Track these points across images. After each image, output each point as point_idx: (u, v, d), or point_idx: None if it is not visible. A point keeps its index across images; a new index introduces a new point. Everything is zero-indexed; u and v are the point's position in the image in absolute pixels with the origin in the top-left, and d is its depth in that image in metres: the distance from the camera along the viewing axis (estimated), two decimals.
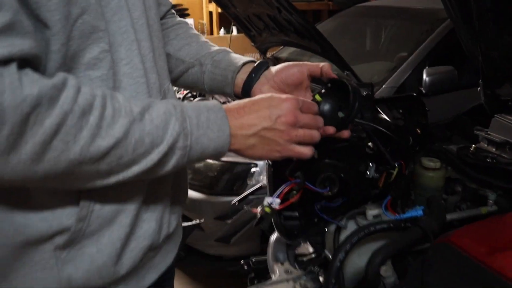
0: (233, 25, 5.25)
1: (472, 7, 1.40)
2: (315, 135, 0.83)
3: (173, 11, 1.12)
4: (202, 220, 2.39)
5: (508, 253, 0.93)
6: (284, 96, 0.80)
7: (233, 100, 0.92)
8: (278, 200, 0.93)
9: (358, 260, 1.18)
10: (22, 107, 0.51)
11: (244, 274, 1.61)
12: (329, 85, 0.91)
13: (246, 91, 1.00)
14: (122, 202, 0.76)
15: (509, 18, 1.44)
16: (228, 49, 1.09)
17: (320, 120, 0.85)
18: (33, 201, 0.68)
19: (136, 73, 0.75)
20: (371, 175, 1.24)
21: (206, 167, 2.73)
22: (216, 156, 0.77)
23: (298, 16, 2.06)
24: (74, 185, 0.65)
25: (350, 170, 1.16)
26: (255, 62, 1.03)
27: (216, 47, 1.08)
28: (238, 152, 0.80)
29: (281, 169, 1.14)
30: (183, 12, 5.49)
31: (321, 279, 1.27)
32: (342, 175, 1.15)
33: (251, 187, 2.35)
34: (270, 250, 1.37)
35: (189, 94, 3.34)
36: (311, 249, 1.34)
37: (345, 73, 2.76)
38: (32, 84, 0.52)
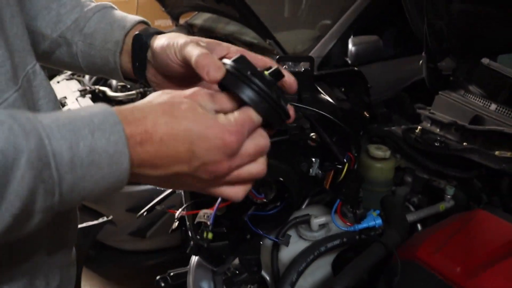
0: None
1: None
2: (258, 171, 0.53)
3: None
4: (110, 217, 2.06)
5: (485, 276, 0.79)
6: (216, 122, 0.48)
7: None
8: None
9: (303, 282, 0.94)
10: None
11: None
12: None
13: (142, 77, 0.69)
14: None
15: None
16: (102, 4, 0.75)
17: (266, 143, 0.53)
18: None
19: None
20: (315, 173, 0.99)
21: None
22: (107, 195, 0.48)
23: None
24: None
25: (289, 171, 0.90)
26: (140, 23, 0.72)
27: (85, 6, 0.74)
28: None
29: None
30: None
31: None
32: (281, 178, 0.88)
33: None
34: (190, 278, 1.07)
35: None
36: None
37: (267, 42, 2.51)
38: None
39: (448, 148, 1.23)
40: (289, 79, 0.59)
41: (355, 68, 1.24)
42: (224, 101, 0.52)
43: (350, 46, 2.68)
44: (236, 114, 0.50)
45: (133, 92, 2.80)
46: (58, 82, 3.22)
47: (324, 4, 3.33)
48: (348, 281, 0.78)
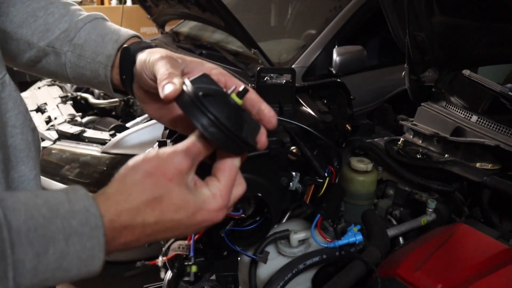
0: None
1: None
2: (240, 194, 0.53)
3: None
4: None
5: None
6: (203, 205, 0.49)
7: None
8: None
9: None
10: None
11: None
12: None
13: (130, 90, 0.67)
14: None
15: None
16: (93, 14, 0.72)
17: (245, 188, 0.54)
18: None
19: None
20: (295, 187, 0.96)
21: (94, 160, 2.34)
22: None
23: None
24: None
25: (268, 186, 0.87)
26: (134, 37, 0.69)
27: (75, 15, 0.71)
28: None
29: None
30: None
31: None
32: (259, 194, 0.86)
33: None
34: None
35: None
36: None
37: (252, 51, 2.50)
38: None
39: (430, 160, 1.23)
40: (268, 113, 0.54)
41: (338, 80, 1.23)
42: (200, 152, 0.49)
43: (335, 56, 2.68)
44: (222, 184, 0.49)
45: (116, 99, 2.75)
46: (39, 87, 3.16)
47: (309, 14, 3.34)
48: None
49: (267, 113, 0.54)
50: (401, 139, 1.33)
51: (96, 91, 2.95)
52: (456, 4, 1.25)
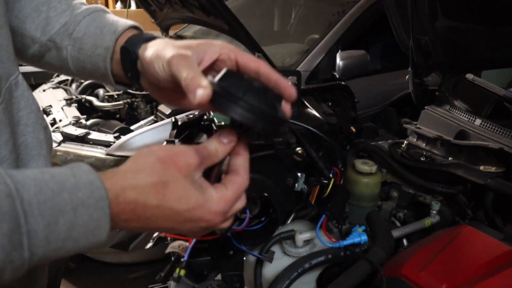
0: None
1: None
2: (242, 206, 0.56)
3: None
4: None
5: None
6: (205, 203, 0.50)
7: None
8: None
9: None
10: None
11: None
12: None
13: (137, 83, 0.67)
14: None
15: (443, 1, 1.27)
16: (93, 7, 0.72)
17: (245, 202, 0.56)
18: None
19: None
20: (300, 188, 0.97)
21: (98, 162, 2.35)
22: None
23: None
24: None
25: (274, 186, 0.88)
26: (132, 28, 0.69)
27: (76, 9, 0.72)
28: None
29: None
30: None
31: None
32: (266, 194, 0.87)
33: None
34: None
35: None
36: None
37: (256, 55, 2.52)
38: None
39: (434, 163, 1.23)
40: (287, 87, 0.55)
41: (342, 83, 1.24)
42: (209, 156, 0.52)
43: (338, 61, 2.70)
44: (229, 192, 0.51)
45: (120, 102, 2.76)
46: (44, 90, 3.17)
47: (312, 19, 3.35)
48: None
49: (287, 86, 0.55)
50: (405, 142, 1.34)
51: (101, 93, 2.96)
52: (459, 8, 1.26)
